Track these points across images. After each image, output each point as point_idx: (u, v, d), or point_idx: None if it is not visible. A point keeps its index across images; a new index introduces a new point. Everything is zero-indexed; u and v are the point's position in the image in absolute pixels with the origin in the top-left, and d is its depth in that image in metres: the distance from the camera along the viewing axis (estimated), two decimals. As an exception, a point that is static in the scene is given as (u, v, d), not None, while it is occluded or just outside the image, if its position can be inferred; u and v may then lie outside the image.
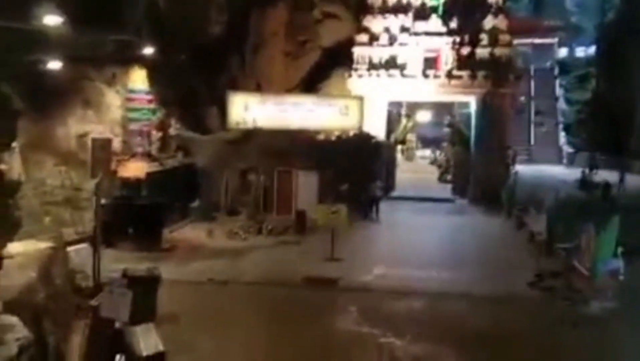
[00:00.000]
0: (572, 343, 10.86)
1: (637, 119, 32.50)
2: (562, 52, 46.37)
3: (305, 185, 21.64)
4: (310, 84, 27.80)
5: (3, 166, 9.38)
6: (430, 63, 26.85)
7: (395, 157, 31.15)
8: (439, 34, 26.63)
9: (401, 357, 10.00)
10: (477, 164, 26.28)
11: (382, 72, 26.53)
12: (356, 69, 26.67)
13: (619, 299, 12.50)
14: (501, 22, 26.52)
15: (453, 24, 26.63)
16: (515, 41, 29.46)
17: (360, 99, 25.91)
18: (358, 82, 26.63)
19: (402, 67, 26.56)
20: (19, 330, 6.77)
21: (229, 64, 26.92)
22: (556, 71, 43.82)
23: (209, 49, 24.46)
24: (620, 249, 13.05)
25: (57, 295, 9.36)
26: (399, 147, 38.09)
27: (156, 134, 21.09)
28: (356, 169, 22.00)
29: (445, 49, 26.55)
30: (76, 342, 8.48)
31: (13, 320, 6.84)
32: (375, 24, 27.05)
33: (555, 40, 45.88)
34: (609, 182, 23.21)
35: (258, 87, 27.19)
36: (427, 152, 41.78)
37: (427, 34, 26.74)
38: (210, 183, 22.14)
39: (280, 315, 11.82)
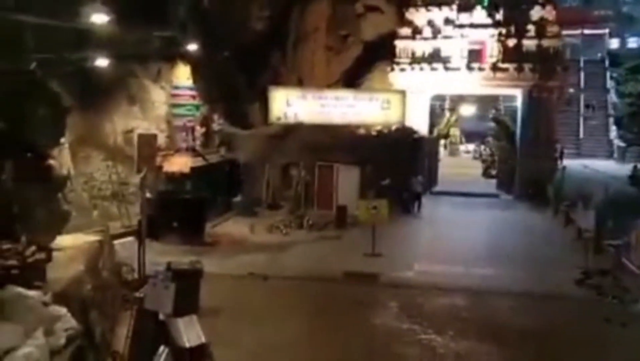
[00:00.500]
0: (620, 342, 10.50)
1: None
2: (614, 43, 44.87)
3: (347, 180, 21.59)
4: (352, 79, 27.68)
5: (53, 162, 9.63)
6: (475, 55, 26.40)
7: (438, 151, 30.80)
8: (484, 25, 26.14)
9: (442, 354, 9.87)
10: (522, 159, 25.71)
11: (425, 65, 26.20)
12: (398, 63, 26.43)
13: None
14: (549, 12, 25.83)
15: (498, 16, 26.07)
16: (564, 32, 28.61)
17: (403, 93, 25.69)
18: (400, 76, 26.39)
19: (445, 60, 26.17)
20: (67, 321, 6.93)
21: (270, 59, 27.08)
22: (607, 63, 42.40)
23: (251, 45, 24.67)
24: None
25: (104, 287, 9.61)
26: (442, 141, 37.67)
27: (200, 130, 21.37)
28: (398, 164, 21.81)
29: (490, 41, 26.03)
30: (122, 333, 8.68)
31: (62, 310, 7.02)
32: (418, 16, 26.73)
33: (606, 31, 44.42)
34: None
35: (299, 82, 27.26)
36: (471, 146, 41.14)
37: (472, 26, 26.28)
38: (252, 178, 22.33)
39: (320, 310, 11.82)
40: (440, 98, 35.01)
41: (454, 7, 26.47)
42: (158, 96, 20.21)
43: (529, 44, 25.59)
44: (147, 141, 17.82)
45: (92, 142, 17.77)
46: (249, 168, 22.59)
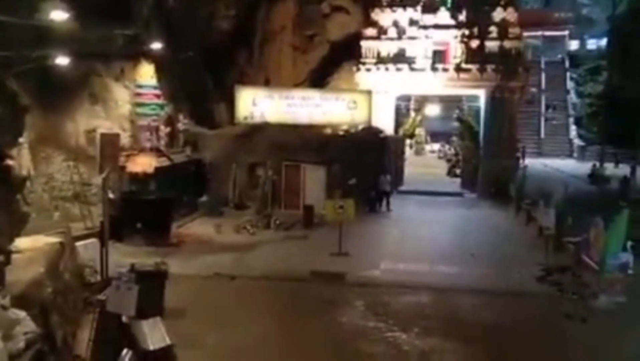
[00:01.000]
0: (580, 338, 10.79)
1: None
2: (573, 44, 46.04)
3: (313, 180, 21.60)
4: (319, 79, 27.77)
5: (11, 162, 9.39)
6: (439, 56, 26.74)
7: (404, 151, 31.07)
8: (448, 26, 26.49)
9: (408, 351, 9.98)
10: (485, 158, 26.15)
11: (390, 66, 26.43)
12: (364, 63, 26.59)
13: (628, 293, 12.38)
14: (511, 14, 26.32)
15: (462, 17, 26.46)
16: (525, 34, 29.27)
17: (369, 93, 25.85)
18: (366, 76, 26.56)
19: (410, 61, 26.45)
20: (26, 324, 6.80)
21: (237, 58, 26.95)
22: (567, 64, 43.50)
23: (217, 44, 24.49)
24: (629, 243, 12.93)
25: (65, 290, 9.43)
26: (408, 141, 38.03)
27: (164, 129, 21.10)
28: (364, 164, 21.96)
29: (454, 42, 26.40)
30: (84, 336, 8.54)
31: (21, 314, 6.88)
32: (384, 17, 26.94)
33: (566, 32, 45.58)
34: (627, 176, 22.99)
35: (266, 82, 27.21)
36: (436, 146, 41.69)
37: (436, 27, 26.60)
38: (218, 178, 22.17)
39: (287, 310, 11.82)
40: (405, 98, 35.40)
41: (419, 8, 26.76)
42: (121, 95, 19.88)
43: (492, 45, 26.03)
44: (110, 140, 17.60)
45: (53, 142, 17.35)
46: (215, 168, 22.43)
